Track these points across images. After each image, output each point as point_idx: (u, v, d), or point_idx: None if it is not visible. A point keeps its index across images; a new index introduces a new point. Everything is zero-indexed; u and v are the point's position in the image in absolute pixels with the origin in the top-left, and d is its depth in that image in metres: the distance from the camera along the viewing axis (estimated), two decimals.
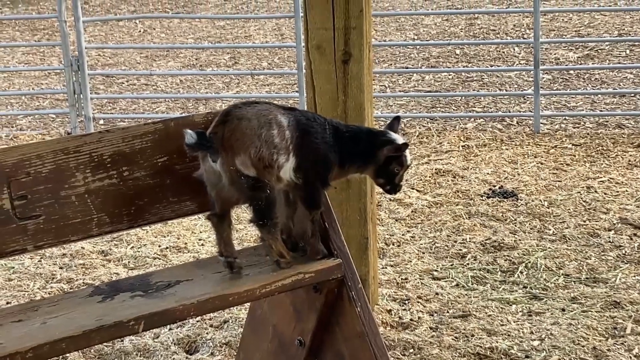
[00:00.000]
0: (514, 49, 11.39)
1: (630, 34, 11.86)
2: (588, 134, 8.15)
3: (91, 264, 5.73)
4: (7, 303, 5.19)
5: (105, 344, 4.61)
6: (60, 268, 5.70)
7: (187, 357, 4.63)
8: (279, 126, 3.25)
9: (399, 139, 3.47)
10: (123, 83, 11.03)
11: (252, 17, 14.28)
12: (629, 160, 7.35)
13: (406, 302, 5.07)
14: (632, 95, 9.28)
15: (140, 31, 14.09)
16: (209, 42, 13.12)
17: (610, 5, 13.80)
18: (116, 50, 12.65)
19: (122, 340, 4.70)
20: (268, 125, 3.23)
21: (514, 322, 4.82)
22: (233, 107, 3.30)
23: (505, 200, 6.54)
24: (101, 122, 9.24)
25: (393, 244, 5.89)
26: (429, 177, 7.11)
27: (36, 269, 5.68)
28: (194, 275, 3.47)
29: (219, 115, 3.30)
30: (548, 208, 6.36)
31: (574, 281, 5.27)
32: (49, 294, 5.25)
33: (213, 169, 3.24)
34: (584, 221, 6.11)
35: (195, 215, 3.73)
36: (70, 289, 5.31)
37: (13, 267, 5.71)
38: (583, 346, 4.53)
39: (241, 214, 5.59)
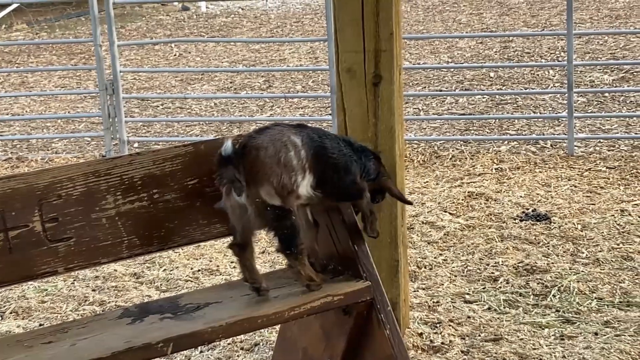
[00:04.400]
0: (549, 72, 11.36)
1: None
2: (622, 156, 8.09)
3: (123, 287, 5.76)
4: (40, 325, 5.22)
5: None
6: (93, 290, 5.74)
7: None
8: (295, 146, 3.28)
9: None
10: (158, 106, 11.11)
11: (286, 40, 14.35)
12: None
13: (438, 325, 5.05)
14: None
15: (175, 55, 14.20)
16: (244, 66, 13.19)
17: None
18: (152, 74, 12.75)
19: None
20: (285, 148, 3.25)
21: (546, 346, 4.78)
22: (248, 138, 3.31)
23: (538, 223, 6.51)
24: (135, 145, 9.31)
25: (425, 267, 5.87)
26: (462, 199, 7.09)
27: (69, 291, 5.72)
28: (223, 298, 3.49)
29: (236, 148, 3.30)
30: (581, 231, 6.32)
31: (607, 305, 5.23)
32: (82, 316, 5.28)
33: (239, 202, 3.26)
34: (618, 244, 6.06)
35: (225, 238, 3.75)
36: (103, 311, 5.33)
37: (46, 289, 5.75)
38: None
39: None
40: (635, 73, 11.00)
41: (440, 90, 10.96)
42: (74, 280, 5.88)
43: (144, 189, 3.45)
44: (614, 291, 5.39)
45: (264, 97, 11.10)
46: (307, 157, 3.30)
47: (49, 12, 16.94)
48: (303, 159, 3.29)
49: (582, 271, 5.67)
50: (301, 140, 3.31)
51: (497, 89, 10.82)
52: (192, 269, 6.02)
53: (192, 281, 5.83)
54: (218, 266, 6.05)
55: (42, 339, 3.21)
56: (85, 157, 9.01)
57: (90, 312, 5.36)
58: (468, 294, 5.45)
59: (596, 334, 4.89)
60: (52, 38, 15.96)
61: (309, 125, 3.50)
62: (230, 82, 12.20)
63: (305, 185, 3.31)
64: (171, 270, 6.01)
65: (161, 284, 5.80)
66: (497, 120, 9.48)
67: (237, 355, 4.81)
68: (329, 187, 3.36)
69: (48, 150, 9.49)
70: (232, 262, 6.09)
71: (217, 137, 8.83)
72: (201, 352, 4.84)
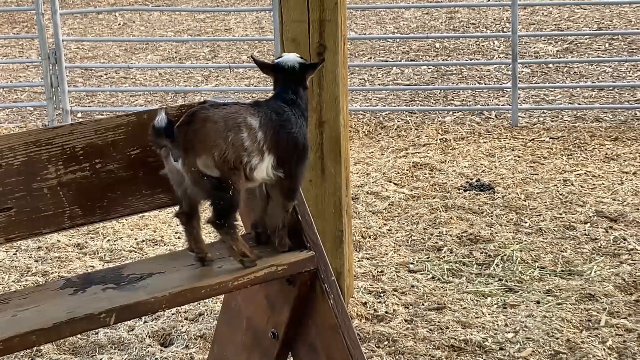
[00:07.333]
0: (494, 43, 11.42)
1: (609, 28, 11.90)
2: (566, 127, 8.17)
3: (67, 257, 5.72)
4: None
5: (79, 336, 4.61)
6: (36, 261, 5.69)
7: (161, 350, 4.63)
8: (250, 129, 3.19)
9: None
10: (102, 76, 10.99)
11: (232, 10, 14.25)
12: (606, 154, 7.38)
13: (382, 294, 5.08)
14: (611, 88, 9.32)
15: (119, 24, 14.05)
16: (189, 35, 13.10)
17: None
18: (95, 43, 12.61)
19: (96, 333, 4.69)
20: (237, 128, 3.17)
21: (489, 314, 4.84)
22: (200, 108, 3.24)
23: (482, 193, 6.56)
24: (79, 115, 9.21)
25: (370, 237, 5.90)
26: (407, 170, 7.12)
27: (11, 262, 5.66)
28: (166, 268, 3.46)
29: (184, 115, 3.25)
30: (524, 201, 6.38)
31: (549, 274, 5.29)
32: (24, 286, 5.23)
33: (176, 168, 3.21)
34: (560, 214, 6.13)
35: (169, 208, 3.72)
36: (45, 281, 5.29)
37: None
38: (557, 338, 4.56)
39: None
40: (579, 44, 11.09)
41: (386, 61, 10.97)
42: (17, 250, 5.83)
43: (85, 158, 3.40)
44: (556, 260, 5.46)
45: (209, 67, 11.04)
46: (267, 138, 3.24)
47: None
48: (260, 141, 3.22)
49: (525, 240, 5.72)
50: (259, 122, 3.23)
51: (443, 60, 10.86)
52: (136, 239, 5.99)
53: (136, 252, 5.80)
54: (162, 237, 6.02)
55: None
56: (27, 127, 8.91)
57: (33, 283, 5.32)
58: (412, 263, 5.49)
59: (538, 302, 4.95)
60: None
61: (264, 101, 3.41)
62: (175, 52, 12.11)
63: (264, 168, 3.25)
64: (115, 241, 5.97)
65: (105, 255, 5.77)
66: (442, 91, 9.52)
67: (182, 325, 4.80)
68: (286, 168, 3.31)
69: None
70: (176, 233, 6.07)
71: (162, 106, 8.77)
72: (145, 322, 4.83)
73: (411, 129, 8.28)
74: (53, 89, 8.76)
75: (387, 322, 4.78)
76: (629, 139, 7.75)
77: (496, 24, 12.50)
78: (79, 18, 14.42)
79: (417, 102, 9.29)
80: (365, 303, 4.96)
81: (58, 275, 5.41)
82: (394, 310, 4.90)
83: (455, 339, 4.57)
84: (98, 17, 14.47)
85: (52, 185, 3.34)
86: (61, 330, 3.01)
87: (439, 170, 7.11)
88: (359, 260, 5.51)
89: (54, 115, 8.79)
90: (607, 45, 11.02)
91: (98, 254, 5.79)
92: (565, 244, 5.67)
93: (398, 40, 11.79)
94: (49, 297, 3.22)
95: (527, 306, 4.91)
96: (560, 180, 6.79)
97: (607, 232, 5.84)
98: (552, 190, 6.58)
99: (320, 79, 4.57)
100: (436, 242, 5.75)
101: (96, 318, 3.07)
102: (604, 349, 4.45)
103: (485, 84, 9.76)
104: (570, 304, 4.90)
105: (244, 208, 3.54)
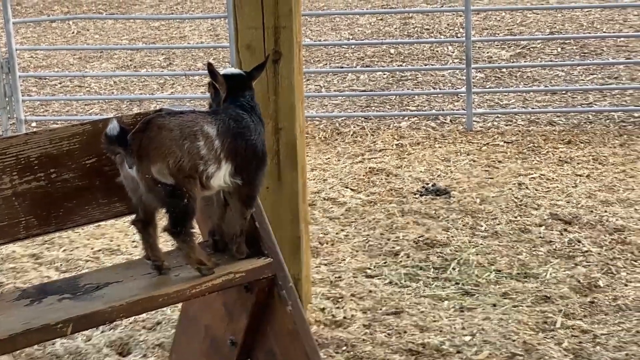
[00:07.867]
0: (448, 48, 11.49)
1: (561, 32, 12.02)
2: (520, 131, 8.24)
3: (22, 268, 5.67)
4: None
5: (36, 347, 4.57)
6: None
7: None
8: (206, 137, 3.18)
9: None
10: (56, 85, 10.93)
11: (186, 17, 14.23)
12: (560, 157, 7.45)
13: (340, 300, 5.09)
14: (563, 92, 9.41)
15: (73, 32, 13.97)
16: (144, 43, 13.05)
17: (542, 4, 13.97)
18: (49, 52, 12.53)
19: (53, 344, 4.66)
20: (193, 137, 3.16)
21: (446, 318, 4.86)
22: (156, 116, 3.22)
23: (438, 197, 6.60)
24: (33, 124, 9.15)
25: (327, 243, 5.91)
26: (363, 175, 7.15)
27: None
28: (123, 277, 3.45)
29: (139, 122, 3.23)
30: (480, 205, 6.42)
31: (505, 277, 5.34)
32: None
33: (131, 175, 3.20)
34: (515, 217, 6.18)
35: (126, 217, 3.71)
36: (1, 293, 5.24)
37: None
38: (514, 341, 4.59)
39: None
40: (531, 49, 11.19)
41: (342, 67, 11.00)
42: None
43: (41, 168, 3.38)
44: (512, 263, 5.50)
45: (164, 75, 11.01)
46: (224, 146, 3.23)
47: None
48: (217, 149, 3.21)
49: (481, 244, 5.76)
50: (216, 130, 3.22)
51: (398, 66, 10.91)
52: (92, 248, 5.96)
53: (92, 261, 5.77)
54: (119, 245, 5.99)
55: None
56: None
57: None
58: (369, 268, 5.51)
59: (495, 305, 4.98)
60: None
61: (222, 109, 3.39)
62: (130, 60, 12.06)
63: (222, 176, 3.25)
64: (71, 251, 5.94)
65: (61, 265, 5.73)
66: (397, 97, 9.57)
67: (139, 334, 4.78)
68: (245, 175, 3.30)
69: None
70: (133, 242, 6.04)
71: (117, 115, 8.73)
72: (102, 332, 4.80)
73: (367, 134, 8.31)
74: (7, 99, 8.69)
75: (345, 328, 4.79)
76: (582, 142, 7.83)
77: (450, 30, 12.58)
78: (32, 27, 14.32)
79: (373, 107, 9.33)
80: (324, 309, 4.97)
81: (13, 286, 5.37)
82: (352, 315, 4.91)
83: (413, 343, 4.59)
84: (52, 26, 14.38)
85: (6, 195, 3.32)
86: (17, 341, 2.99)
87: (395, 176, 7.14)
88: (316, 267, 5.52)
89: (7, 125, 8.72)
90: (559, 49, 11.13)
91: (54, 264, 5.75)
92: (520, 247, 5.72)
93: (353, 46, 11.83)
94: (4, 308, 3.20)
95: (483, 309, 4.95)
96: (515, 183, 6.85)
97: (561, 234, 5.90)
98: (507, 193, 6.63)
99: (276, 85, 4.58)
100: (393, 247, 5.78)
101: (52, 328, 3.05)
102: (560, 350, 4.49)
103: (440, 89, 9.83)
104: (527, 307, 4.94)
105: (200, 215, 3.54)
